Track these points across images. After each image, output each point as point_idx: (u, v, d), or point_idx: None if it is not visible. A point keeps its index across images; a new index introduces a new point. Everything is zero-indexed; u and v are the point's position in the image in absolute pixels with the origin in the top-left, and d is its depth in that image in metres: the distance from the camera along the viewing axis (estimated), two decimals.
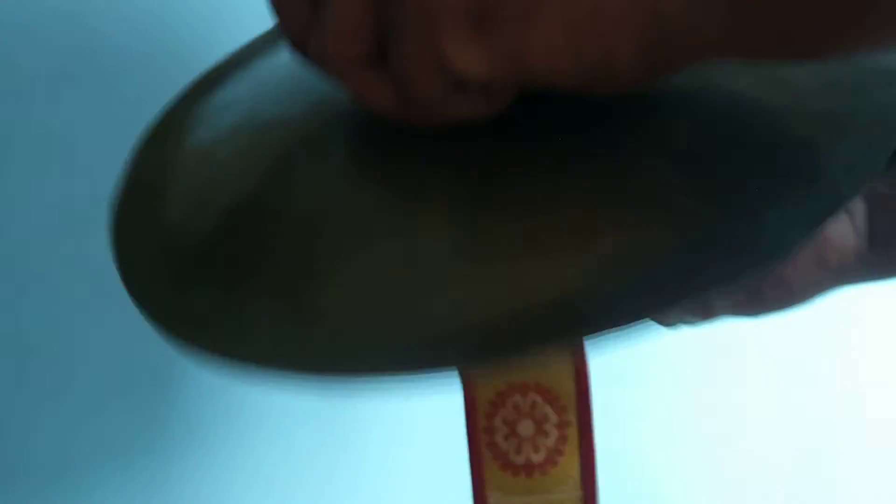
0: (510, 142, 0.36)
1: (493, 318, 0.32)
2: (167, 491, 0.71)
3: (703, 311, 0.45)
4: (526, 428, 0.39)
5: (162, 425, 0.70)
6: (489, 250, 0.34)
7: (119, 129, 0.67)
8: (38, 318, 0.67)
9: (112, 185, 0.67)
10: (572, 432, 0.38)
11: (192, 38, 0.69)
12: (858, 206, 0.45)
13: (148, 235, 0.40)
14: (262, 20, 0.69)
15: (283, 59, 0.46)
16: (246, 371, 0.34)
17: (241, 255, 0.37)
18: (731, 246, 0.32)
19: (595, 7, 0.31)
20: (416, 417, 0.75)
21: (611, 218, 0.34)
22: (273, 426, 0.72)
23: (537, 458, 0.39)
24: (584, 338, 0.30)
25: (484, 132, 0.36)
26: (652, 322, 0.31)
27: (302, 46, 0.36)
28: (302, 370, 0.33)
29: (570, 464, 0.38)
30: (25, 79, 0.65)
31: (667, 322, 0.46)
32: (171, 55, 0.68)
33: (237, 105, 0.44)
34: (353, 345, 0.33)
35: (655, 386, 0.80)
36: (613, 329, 0.30)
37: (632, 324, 0.30)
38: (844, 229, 0.44)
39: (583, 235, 0.33)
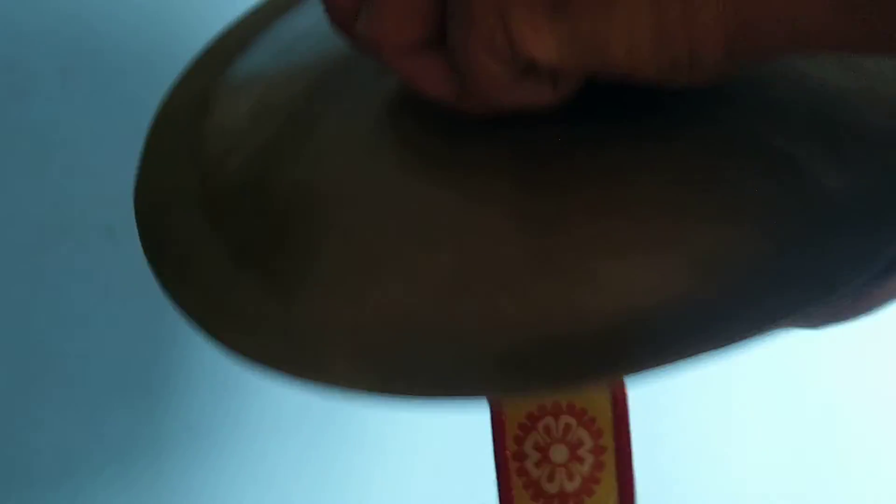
0: (573, 128, 0.34)
1: (571, 331, 0.30)
2: (168, 493, 0.70)
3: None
4: (559, 454, 0.37)
5: (164, 427, 0.69)
6: (562, 255, 0.31)
7: (119, 128, 0.67)
8: (38, 318, 0.66)
9: (112, 184, 0.67)
10: (609, 458, 0.37)
11: (192, 38, 0.68)
12: None
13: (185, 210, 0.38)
14: None
15: (312, 19, 0.43)
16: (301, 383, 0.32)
17: (288, 249, 0.35)
18: (830, 253, 0.30)
19: None
20: (428, 419, 0.74)
21: (691, 212, 0.32)
22: (274, 428, 0.71)
23: (572, 486, 0.37)
24: (679, 363, 0.28)
25: (543, 118, 0.34)
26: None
27: (348, 29, 0.34)
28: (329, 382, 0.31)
29: (607, 493, 0.37)
30: (25, 78, 0.65)
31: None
32: (171, 55, 0.68)
33: (260, 79, 0.41)
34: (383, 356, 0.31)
35: (695, 410, 0.80)
36: (703, 354, 0.28)
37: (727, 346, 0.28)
38: None
39: (667, 231, 0.31)
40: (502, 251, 0.32)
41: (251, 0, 0.68)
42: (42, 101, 0.66)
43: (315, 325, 0.32)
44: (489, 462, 0.38)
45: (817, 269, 0.30)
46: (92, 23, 0.66)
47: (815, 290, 0.29)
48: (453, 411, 0.65)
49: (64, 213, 0.66)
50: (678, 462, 0.81)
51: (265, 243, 0.35)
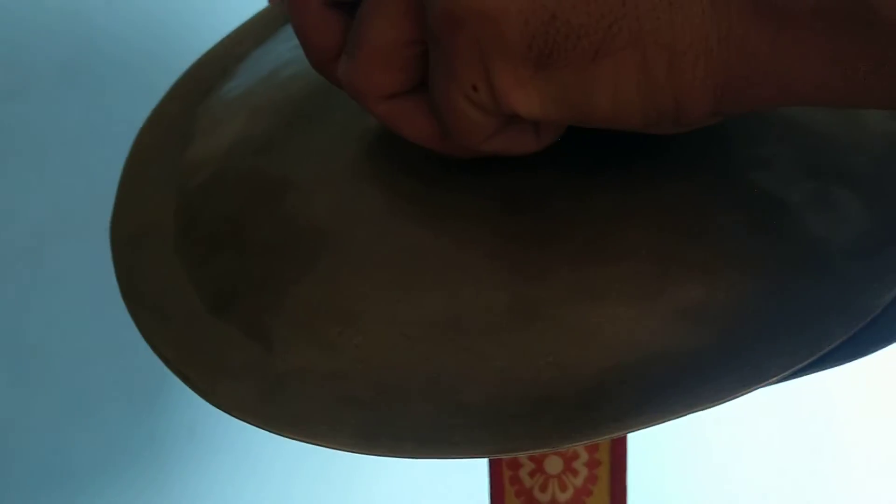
0: (557, 171, 0.33)
1: (551, 385, 0.29)
2: (168, 492, 0.71)
3: None
4: (554, 465, 0.37)
5: (164, 428, 0.70)
6: (548, 305, 0.31)
7: (119, 128, 0.67)
8: (36, 318, 0.67)
9: (112, 185, 0.67)
10: (604, 472, 0.36)
11: (192, 36, 0.68)
12: None
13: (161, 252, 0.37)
14: None
15: (292, 45, 0.42)
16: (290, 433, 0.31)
17: (268, 294, 0.34)
18: (817, 303, 0.29)
19: (672, 48, 0.28)
20: None
21: (679, 261, 0.31)
22: None
23: (563, 497, 0.37)
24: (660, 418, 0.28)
25: (526, 161, 0.33)
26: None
27: (328, 71, 0.34)
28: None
29: None
30: (25, 78, 0.66)
31: None
32: (166, 59, 0.68)
33: (240, 109, 0.40)
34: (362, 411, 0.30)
35: (690, 426, 0.79)
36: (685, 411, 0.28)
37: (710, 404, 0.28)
38: None
39: (653, 281, 0.31)
40: (487, 299, 0.31)
41: (248, 1, 0.68)
42: (42, 101, 0.66)
43: (294, 376, 0.32)
44: (483, 468, 0.38)
45: (806, 324, 0.29)
46: (92, 23, 0.66)
47: (801, 350, 0.29)
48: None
49: (64, 213, 0.66)
50: (672, 477, 0.81)
51: (243, 286, 0.34)
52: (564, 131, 0.33)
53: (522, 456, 0.28)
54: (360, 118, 0.34)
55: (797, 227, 0.32)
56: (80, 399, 0.68)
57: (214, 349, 0.33)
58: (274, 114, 0.39)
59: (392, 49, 0.31)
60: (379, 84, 0.32)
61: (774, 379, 0.28)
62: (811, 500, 0.86)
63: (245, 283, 0.34)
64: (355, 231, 0.34)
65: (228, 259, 0.35)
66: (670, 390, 0.28)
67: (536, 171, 0.33)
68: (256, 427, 0.31)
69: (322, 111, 0.38)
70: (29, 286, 0.66)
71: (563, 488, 0.37)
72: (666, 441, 0.81)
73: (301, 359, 0.32)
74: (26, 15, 0.65)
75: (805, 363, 0.28)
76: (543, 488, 0.37)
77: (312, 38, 0.33)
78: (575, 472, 0.37)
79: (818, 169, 0.33)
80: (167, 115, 0.42)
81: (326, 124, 0.38)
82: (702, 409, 0.28)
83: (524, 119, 0.30)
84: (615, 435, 0.28)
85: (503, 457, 0.28)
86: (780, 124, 0.34)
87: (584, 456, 0.36)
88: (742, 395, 0.28)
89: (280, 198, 0.36)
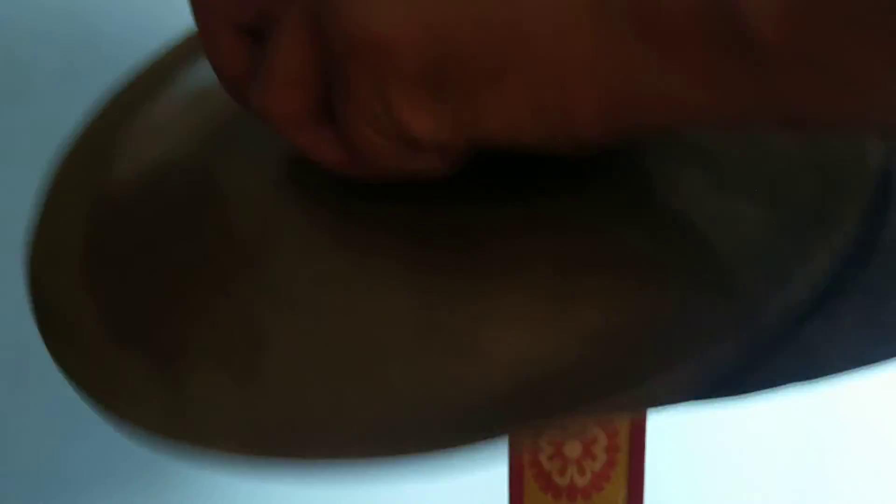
0: (467, 196, 0.34)
1: (453, 401, 0.30)
2: (169, 494, 0.71)
3: None
4: (573, 449, 0.38)
5: None
6: (450, 323, 0.31)
7: None
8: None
9: None
10: (622, 458, 0.37)
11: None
12: None
13: (68, 274, 0.37)
14: None
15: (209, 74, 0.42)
16: (188, 453, 0.31)
17: (180, 316, 0.34)
18: (708, 327, 0.30)
19: (563, 72, 0.29)
20: None
21: (582, 284, 0.31)
22: None
23: (582, 481, 0.37)
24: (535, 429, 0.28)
25: (439, 186, 0.34)
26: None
27: (241, 97, 0.35)
28: (252, 452, 0.30)
29: (616, 490, 0.37)
30: (25, 78, 0.65)
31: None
32: None
33: (165, 132, 0.40)
34: (305, 425, 0.30)
35: (707, 416, 0.80)
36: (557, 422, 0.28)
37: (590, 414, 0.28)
38: None
39: (553, 304, 0.31)
40: (395, 326, 0.32)
41: None
42: (42, 101, 0.65)
43: (201, 401, 0.32)
44: (503, 453, 0.39)
45: (701, 347, 0.29)
46: (92, 23, 0.66)
47: (694, 373, 0.29)
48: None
49: None
50: (689, 465, 0.81)
51: (152, 308, 0.35)
52: (473, 154, 0.33)
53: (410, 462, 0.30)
54: (280, 141, 0.35)
55: (700, 246, 0.32)
56: (79, 399, 0.67)
57: (122, 374, 0.33)
58: (194, 136, 0.39)
59: (299, 75, 0.32)
60: (288, 108, 0.33)
61: (665, 403, 0.29)
62: (826, 480, 0.87)
63: (154, 308, 0.35)
64: (271, 256, 0.34)
65: (139, 284, 0.35)
66: (564, 403, 0.29)
67: (447, 193, 0.34)
68: (168, 444, 0.32)
69: (242, 134, 0.38)
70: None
71: (582, 472, 0.37)
72: (683, 429, 0.81)
73: (210, 382, 0.32)
74: (26, 15, 0.65)
75: (696, 387, 0.29)
76: (562, 472, 0.37)
77: (224, 64, 0.34)
78: (594, 457, 0.37)
79: (722, 186, 0.33)
80: (90, 136, 0.42)
81: (246, 147, 0.38)
82: (601, 418, 0.29)
83: (427, 142, 0.31)
84: (495, 441, 0.29)
85: (394, 462, 0.29)
86: (685, 146, 0.34)
87: (604, 440, 0.37)
88: (636, 413, 0.29)
89: (197, 220, 0.36)
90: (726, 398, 0.31)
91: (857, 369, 0.32)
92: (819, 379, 0.31)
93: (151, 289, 0.35)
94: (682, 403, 0.30)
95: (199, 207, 0.37)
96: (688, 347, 0.30)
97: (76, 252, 0.38)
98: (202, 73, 0.42)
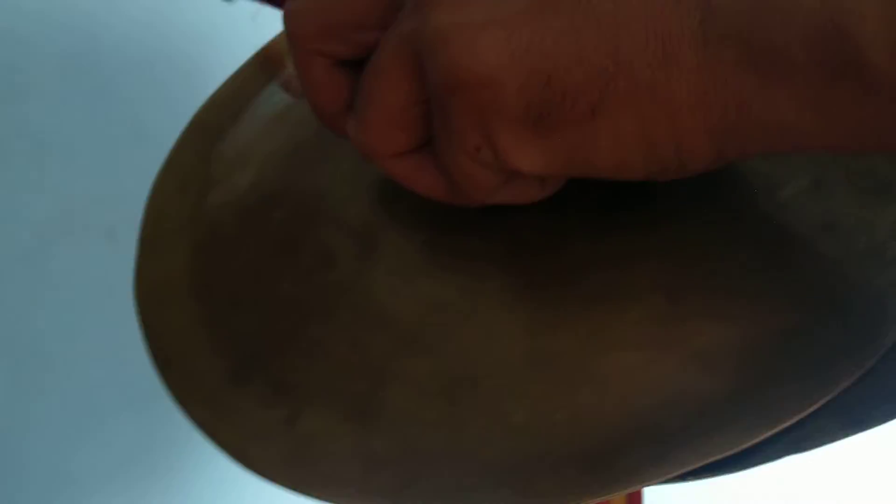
0: (563, 214, 0.33)
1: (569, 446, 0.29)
2: (171, 496, 0.71)
3: None
4: None
5: (166, 430, 0.69)
6: (562, 356, 0.30)
7: (119, 129, 0.68)
8: (37, 318, 0.67)
9: (112, 185, 0.67)
10: None
11: (185, 42, 0.69)
12: None
13: (186, 308, 0.36)
14: (256, 25, 0.69)
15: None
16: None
17: (295, 352, 0.33)
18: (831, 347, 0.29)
19: (669, 102, 0.29)
20: None
21: (691, 304, 0.30)
22: None
23: None
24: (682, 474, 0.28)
25: (535, 204, 0.33)
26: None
27: (338, 130, 0.34)
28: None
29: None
30: (25, 78, 0.66)
31: None
32: (166, 59, 0.68)
33: (253, 156, 0.40)
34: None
35: None
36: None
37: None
38: None
39: (663, 327, 0.30)
40: (503, 352, 0.31)
41: (244, 7, 0.69)
42: (42, 101, 0.66)
43: (320, 436, 0.31)
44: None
45: (815, 367, 0.29)
46: (92, 25, 0.67)
47: (812, 394, 0.28)
48: None
49: (64, 213, 0.66)
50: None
51: (265, 345, 0.34)
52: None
53: None
54: (369, 165, 0.35)
55: (807, 258, 0.31)
56: (81, 401, 0.67)
57: (242, 411, 0.33)
58: (285, 160, 0.39)
59: (398, 111, 0.31)
60: (387, 144, 0.32)
61: (784, 426, 0.28)
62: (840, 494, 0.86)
63: (267, 341, 0.34)
64: (372, 284, 0.34)
65: (250, 316, 0.35)
66: (682, 440, 0.28)
67: (546, 214, 0.33)
68: (287, 490, 0.31)
69: (331, 158, 0.37)
70: (29, 286, 0.66)
71: None
72: None
73: (327, 418, 0.31)
74: (26, 15, 0.65)
75: (815, 407, 0.28)
76: None
77: (319, 97, 0.34)
78: None
79: (820, 185, 0.33)
80: (182, 163, 0.41)
81: (337, 171, 0.37)
82: (714, 458, 0.28)
83: (530, 175, 0.31)
84: (632, 489, 0.28)
85: None
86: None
87: None
88: (750, 443, 0.28)
89: (296, 252, 0.36)
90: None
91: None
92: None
93: (263, 322, 0.35)
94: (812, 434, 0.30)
95: (296, 236, 0.36)
96: (803, 367, 0.29)
97: (185, 285, 0.37)
98: (279, 94, 0.41)
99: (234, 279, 0.36)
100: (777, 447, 0.29)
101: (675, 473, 0.28)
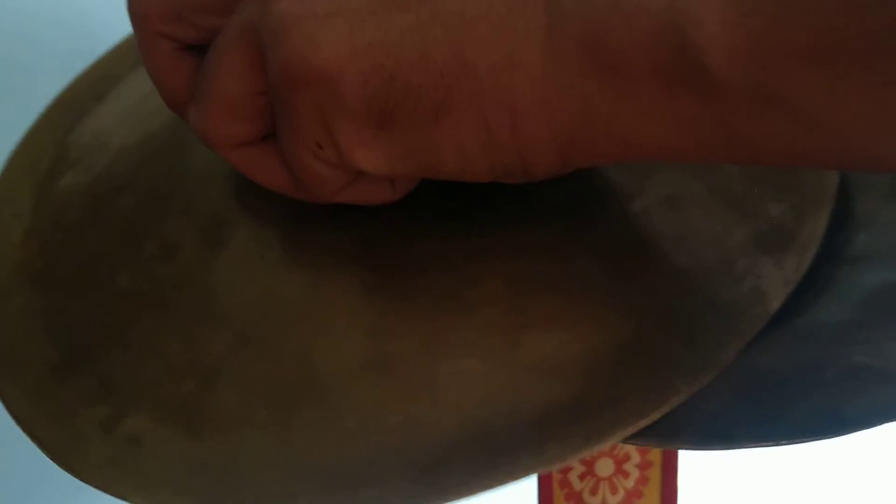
0: (416, 214, 0.33)
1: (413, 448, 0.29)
2: None
3: None
4: (605, 467, 0.37)
5: None
6: (404, 357, 0.30)
7: None
8: None
9: None
10: (655, 474, 0.36)
11: None
12: None
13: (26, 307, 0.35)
14: None
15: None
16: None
17: (127, 348, 0.32)
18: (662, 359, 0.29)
19: (513, 107, 0.28)
20: None
21: (534, 312, 0.30)
22: None
23: (614, 499, 0.37)
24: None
25: (388, 207, 0.33)
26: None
27: (181, 113, 0.33)
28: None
29: None
30: (25, 78, 0.65)
31: None
32: None
33: (111, 141, 0.39)
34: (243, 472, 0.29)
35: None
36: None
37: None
38: None
39: (505, 335, 0.30)
40: (343, 355, 0.31)
41: None
42: (42, 101, 0.65)
43: (145, 437, 0.31)
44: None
45: (654, 381, 0.29)
46: (92, 23, 0.65)
47: (645, 408, 0.28)
48: None
49: None
50: (723, 481, 0.81)
51: (96, 338, 0.33)
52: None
53: None
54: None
55: (658, 274, 0.31)
56: None
57: (64, 407, 0.32)
58: (143, 146, 0.38)
59: (238, 100, 0.30)
60: (227, 133, 0.31)
61: (619, 438, 0.28)
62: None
63: (98, 334, 0.33)
64: (213, 279, 0.33)
65: (84, 306, 0.34)
66: (514, 450, 0.28)
67: (398, 213, 0.32)
68: (98, 490, 0.31)
69: (190, 146, 0.36)
70: None
71: (614, 491, 0.37)
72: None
73: (152, 418, 0.31)
74: (27, 15, 0.64)
75: (647, 421, 0.28)
76: (594, 491, 0.37)
77: (165, 82, 0.33)
78: (626, 475, 0.37)
79: (677, 201, 0.32)
80: (35, 145, 0.40)
81: (194, 161, 0.36)
82: (548, 469, 0.28)
83: (374, 174, 0.30)
84: (461, 499, 0.28)
85: None
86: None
87: (636, 457, 0.36)
88: (587, 454, 0.28)
89: (140, 243, 0.34)
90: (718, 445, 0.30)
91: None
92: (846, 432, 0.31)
93: (96, 313, 0.34)
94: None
95: (139, 229, 0.35)
96: (642, 380, 0.29)
97: (22, 271, 0.36)
98: (145, 77, 0.40)
99: (73, 267, 0.35)
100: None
101: (504, 485, 0.28)
